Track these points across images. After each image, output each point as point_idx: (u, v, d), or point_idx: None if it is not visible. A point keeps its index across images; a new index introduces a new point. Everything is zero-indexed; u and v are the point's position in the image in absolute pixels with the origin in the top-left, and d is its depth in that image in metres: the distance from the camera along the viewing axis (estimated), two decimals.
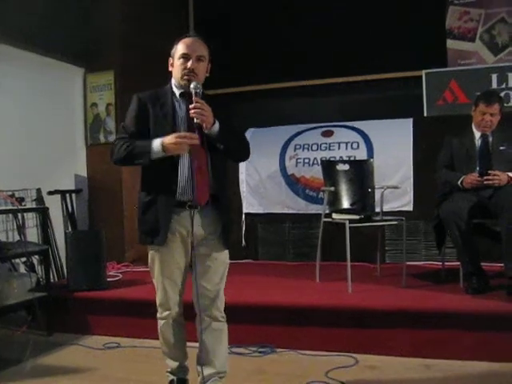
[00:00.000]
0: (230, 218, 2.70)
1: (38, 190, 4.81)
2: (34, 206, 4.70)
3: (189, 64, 2.53)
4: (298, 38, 5.69)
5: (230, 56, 5.92)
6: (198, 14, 6.28)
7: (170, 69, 2.62)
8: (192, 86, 2.48)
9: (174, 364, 2.75)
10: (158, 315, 2.69)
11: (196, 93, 2.47)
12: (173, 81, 2.62)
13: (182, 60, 2.54)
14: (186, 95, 2.55)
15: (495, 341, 3.21)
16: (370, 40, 5.47)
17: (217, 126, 2.50)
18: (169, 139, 2.41)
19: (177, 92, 2.60)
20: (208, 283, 2.62)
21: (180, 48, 2.56)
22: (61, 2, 4.86)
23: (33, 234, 4.61)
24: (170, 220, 2.53)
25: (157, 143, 2.44)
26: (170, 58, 2.61)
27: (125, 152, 2.49)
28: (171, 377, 2.78)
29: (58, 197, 5.11)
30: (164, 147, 2.42)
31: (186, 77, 2.53)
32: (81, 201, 5.40)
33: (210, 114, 2.46)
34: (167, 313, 2.66)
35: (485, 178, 3.67)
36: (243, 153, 2.74)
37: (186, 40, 2.59)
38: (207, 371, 2.65)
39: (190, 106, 2.44)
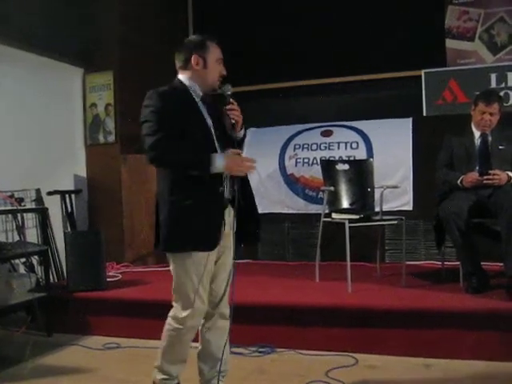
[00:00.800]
0: (257, 212, 2.70)
1: (38, 191, 4.80)
2: (34, 206, 4.70)
3: (223, 69, 2.60)
4: (297, 37, 5.70)
5: (229, 56, 5.89)
6: (197, 14, 6.27)
7: (197, 67, 2.53)
8: (228, 88, 2.57)
9: (174, 369, 2.59)
10: (179, 326, 2.50)
11: (229, 95, 2.56)
12: (188, 80, 2.55)
13: (218, 64, 2.58)
14: (210, 97, 2.61)
15: (495, 340, 3.21)
16: (370, 40, 5.48)
17: (243, 130, 2.60)
18: (228, 162, 2.40)
19: (198, 93, 2.55)
20: (222, 280, 2.61)
21: (217, 52, 2.59)
22: (60, 2, 4.86)
23: (32, 235, 4.61)
24: (222, 224, 2.49)
25: (218, 162, 2.38)
26: (198, 57, 2.52)
27: (181, 159, 2.40)
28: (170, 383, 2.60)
29: (57, 197, 5.11)
30: (225, 167, 2.39)
31: (219, 81, 2.58)
32: (80, 201, 5.40)
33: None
34: (197, 323, 2.54)
35: (485, 177, 3.67)
36: None
37: (215, 43, 2.61)
38: (211, 369, 2.63)
39: (229, 107, 2.52)
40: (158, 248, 2.52)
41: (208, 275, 2.51)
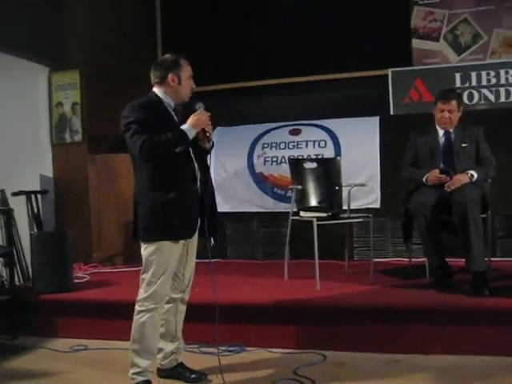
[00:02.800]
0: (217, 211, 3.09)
1: (2, 191, 4.71)
2: None
3: (194, 84, 2.94)
4: (264, 37, 5.71)
5: (196, 55, 5.89)
6: (165, 15, 6.23)
7: (173, 84, 2.85)
8: (200, 105, 2.90)
9: (145, 363, 2.83)
10: (143, 308, 2.81)
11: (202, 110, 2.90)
12: (163, 93, 2.88)
13: (190, 80, 2.92)
14: (182, 109, 2.95)
15: (461, 335, 3.27)
16: (337, 39, 5.52)
17: (212, 142, 2.96)
18: (191, 119, 2.81)
19: (171, 105, 2.90)
20: (187, 271, 3.03)
21: (188, 69, 2.92)
22: None
23: None
24: (198, 215, 2.88)
25: (185, 127, 2.79)
26: (173, 76, 2.85)
27: (166, 142, 2.72)
28: (139, 378, 2.81)
29: (23, 198, 5.01)
30: (192, 125, 2.79)
31: (190, 95, 2.93)
32: (47, 201, 5.31)
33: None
34: (157, 305, 2.83)
35: (446, 186, 3.72)
36: None
37: (186, 61, 2.93)
38: (171, 346, 3.04)
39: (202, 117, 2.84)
40: (137, 239, 2.86)
41: (175, 264, 2.88)
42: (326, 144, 5.27)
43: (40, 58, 5.22)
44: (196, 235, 2.95)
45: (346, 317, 3.48)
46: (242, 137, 5.59)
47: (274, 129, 5.56)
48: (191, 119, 2.82)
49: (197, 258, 5.46)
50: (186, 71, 2.90)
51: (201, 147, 2.90)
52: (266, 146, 5.43)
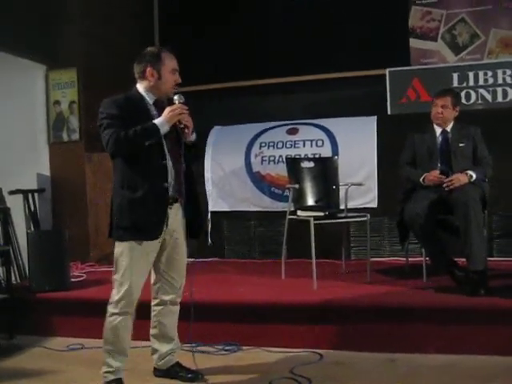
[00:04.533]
0: (201, 212, 3.07)
1: None
2: None
3: (179, 78, 2.83)
4: (262, 36, 5.71)
5: (194, 54, 5.89)
6: (162, 13, 6.22)
7: (151, 79, 2.77)
8: (179, 97, 2.80)
9: (118, 363, 2.81)
10: (115, 310, 2.77)
11: (181, 103, 2.79)
12: (144, 88, 2.80)
13: (173, 74, 2.81)
14: (164, 103, 2.84)
15: (458, 334, 3.27)
16: (335, 38, 5.53)
17: (195, 134, 2.86)
18: (164, 113, 2.71)
19: (150, 100, 2.81)
20: (177, 274, 2.94)
21: (171, 63, 2.81)
22: None
23: None
24: (166, 215, 2.76)
25: (158, 120, 2.71)
26: (152, 70, 2.76)
27: (133, 136, 2.63)
28: (111, 377, 2.80)
29: (19, 196, 5.01)
30: (166, 119, 2.70)
31: (174, 90, 2.83)
32: (44, 200, 5.30)
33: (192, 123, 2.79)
34: (129, 308, 2.77)
35: (444, 184, 3.73)
36: (198, 158, 3.15)
37: (171, 55, 2.83)
38: (167, 347, 3.00)
39: (173, 107, 2.74)
40: (111, 236, 2.81)
41: (148, 264, 2.81)
42: (323, 143, 5.27)
43: (37, 56, 5.21)
44: (179, 236, 2.88)
45: (342, 316, 3.48)
46: (239, 136, 5.58)
47: (272, 128, 5.55)
48: (164, 112, 2.73)
49: (192, 256, 5.50)
50: (168, 65, 2.79)
51: (182, 144, 2.78)
52: (263, 145, 5.42)
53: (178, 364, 3.04)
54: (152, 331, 3.01)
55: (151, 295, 2.99)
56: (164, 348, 3.00)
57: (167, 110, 2.73)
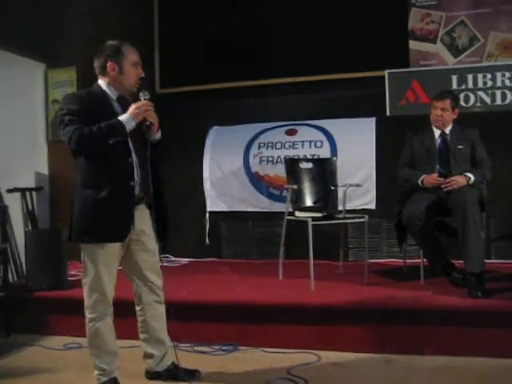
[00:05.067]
0: (168, 213, 2.89)
1: None
2: None
3: (141, 72, 2.74)
4: (261, 36, 5.71)
5: (192, 54, 5.90)
6: (162, 13, 6.22)
7: (113, 73, 2.69)
8: (143, 93, 2.71)
9: (108, 364, 2.77)
10: (93, 315, 2.72)
11: (146, 99, 2.70)
12: (106, 84, 2.72)
13: (135, 68, 2.72)
14: (128, 99, 2.76)
15: (455, 336, 3.27)
16: (335, 39, 5.53)
17: (160, 133, 2.77)
18: (130, 109, 2.62)
19: (113, 96, 2.73)
20: (152, 275, 2.83)
21: (132, 56, 2.73)
22: None
23: None
24: (133, 215, 2.67)
25: (123, 117, 2.61)
26: (113, 64, 2.68)
27: (97, 133, 2.53)
28: (104, 378, 2.76)
29: (17, 195, 4.99)
30: (131, 115, 2.60)
31: (137, 84, 2.74)
32: (42, 199, 5.29)
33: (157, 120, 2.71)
34: (106, 311, 2.73)
35: (443, 186, 3.74)
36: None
37: (132, 48, 2.75)
38: (161, 350, 2.91)
39: (138, 104, 2.65)
40: (71, 240, 2.72)
41: (116, 264, 2.72)
42: (322, 144, 5.27)
43: (37, 54, 5.20)
44: (147, 237, 2.78)
45: (340, 317, 3.48)
46: (237, 136, 5.58)
47: (270, 129, 5.56)
48: (130, 109, 2.63)
49: (190, 256, 5.51)
50: (129, 58, 2.70)
51: (148, 142, 2.70)
52: (261, 145, 5.43)
53: (173, 364, 2.98)
54: (142, 336, 2.93)
55: (134, 300, 2.91)
56: (158, 351, 2.91)
57: (133, 106, 2.64)
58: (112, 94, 2.72)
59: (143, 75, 2.74)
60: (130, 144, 2.67)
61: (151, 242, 2.83)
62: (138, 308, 2.91)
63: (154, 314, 2.88)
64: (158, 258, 2.88)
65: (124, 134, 2.60)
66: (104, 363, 2.76)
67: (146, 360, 2.95)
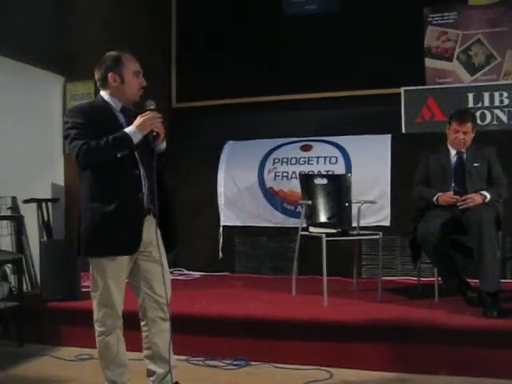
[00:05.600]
0: (175, 223, 2.87)
1: (14, 198, 4.73)
2: (9, 214, 4.63)
3: (143, 81, 2.70)
4: (277, 52, 5.74)
5: (209, 68, 5.94)
6: (181, 27, 6.29)
7: (114, 84, 2.65)
8: (150, 103, 2.66)
9: (119, 376, 2.75)
10: (103, 329, 2.69)
11: (151, 109, 2.64)
12: (108, 95, 2.68)
13: (136, 77, 2.69)
14: (132, 110, 2.73)
15: (470, 356, 3.23)
16: (351, 57, 5.54)
17: (165, 143, 2.71)
18: (137, 121, 2.57)
19: (117, 107, 2.69)
20: (160, 289, 2.73)
21: (133, 65, 2.69)
22: (42, 8, 4.84)
23: (7, 243, 4.53)
24: (142, 228, 2.63)
25: (130, 129, 2.56)
26: (114, 75, 2.65)
27: (104, 147, 2.50)
28: None
29: (33, 205, 5.04)
30: (138, 128, 2.55)
31: (140, 93, 2.70)
32: (57, 210, 5.33)
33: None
34: (116, 324, 2.71)
35: (458, 204, 3.72)
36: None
37: (131, 57, 2.72)
38: (164, 368, 2.78)
39: (146, 114, 2.59)
40: (80, 255, 2.68)
41: (124, 278, 2.69)
42: (336, 160, 5.27)
43: (56, 67, 5.28)
44: (155, 249, 2.69)
45: (353, 334, 3.46)
46: (253, 151, 5.60)
47: (286, 144, 5.57)
48: (137, 121, 2.58)
49: (202, 270, 5.51)
50: (130, 68, 2.66)
51: (155, 152, 2.65)
52: (276, 161, 5.44)
53: None
54: (145, 352, 2.84)
55: (139, 315, 2.83)
56: (160, 370, 2.80)
57: (139, 118, 2.59)
58: (115, 105, 2.68)
59: (145, 84, 2.71)
60: (137, 155, 2.64)
61: (159, 253, 2.73)
62: (142, 323, 2.82)
63: (157, 330, 2.77)
64: (166, 268, 2.79)
65: (131, 146, 2.57)
66: (115, 376, 2.74)
67: (149, 378, 2.85)
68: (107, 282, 2.63)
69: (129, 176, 2.60)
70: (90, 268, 2.68)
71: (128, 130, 2.56)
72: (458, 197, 3.76)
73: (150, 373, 2.83)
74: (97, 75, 2.71)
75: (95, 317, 2.71)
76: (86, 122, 2.56)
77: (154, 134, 2.61)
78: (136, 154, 2.63)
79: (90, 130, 2.55)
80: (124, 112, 2.70)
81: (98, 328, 2.71)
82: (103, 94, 2.70)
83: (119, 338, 2.75)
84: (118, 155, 2.54)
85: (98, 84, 2.72)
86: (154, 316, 2.76)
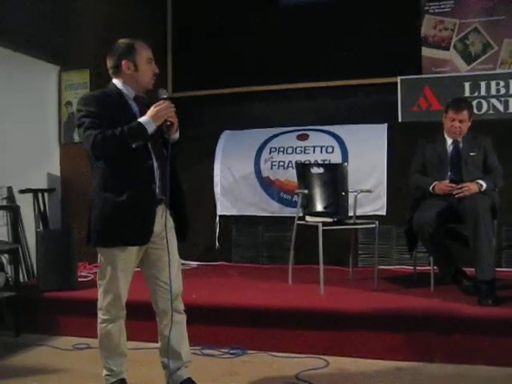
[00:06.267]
0: (187, 213, 2.81)
1: (9, 189, 4.73)
2: (5, 204, 4.63)
3: (156, 68, 2.67)
4: (274, 41, 5.71)
5: (205, 58, 5.92)
6: (176, 15, 6.25)
7: (128, 72, 2.62)
8: (163, 92, 2.64)
9: (117, 365, 2.75)
10: (106, 317, 2.69)
11: (164, 98, 2.62)
12: (121, 83, 2.65)
13: (150, 64, 2.66)
14: (145, 98, 2.71)
15: (465, 344, 3.25)
16: (348, 46, 5.52)
17: (178, 132, 2.69)
18: (150, 111, 2.55)
19: (130, 95, 2.66)
20: (173, 277, 2.69)
21: (146, 52, 2.66)
22: None
23: (3, 233, 4.54)
24: (154, 218, 2.61)
25: (144, 119, 2.54)
26: (128, 62, 2.62)
27: (119, 137, 2.48)
28: (112, 379, 2.75)
29: (29, 195, 5.04)
30: (152, 118, 2.53)
31: (153, 81, 2.68)
32: (53, 200, 5.33)
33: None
34: (119, 314, 2.70)
35: (455, 192, 3.73)
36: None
37: (144, 44, 2.68)
38: (175, 363, 2.76)
39: (161, 104, 2.57)
40: (90, 244, 2.63)
41: (133, 268, 2.68)
42: (333, 150, 5.27)
43: (50, 57, 5.25)
44: (166, 239, 2.64)
45: (349, 323, 3.47)
46: (249, 141, 5.59)
47: (282, 133, 5.56)
48: (151, 111, 2.55)
49: (199, 260, 5.53)
50: (143, 55, 2.63)
51: (168, 142, 2.61)
52: (273, 150, 5.44)
53: (189, 380, 2.79)
54: (159, 344, 2.82)
55: (152, 307, 2.80)
56: (172, 364, 2.76)
57: (152, 108, 2.57)
58: (128, 93, 2.65)
59: (158, 71, 2.68)
60: (150, 146, 2.62)
61: (171, 243, 2.69)
62: (157, 315, 2.79)
63: (169, 322, 2.71)
64: (177, 258, 2.78)
65: (146, 136, 2.54)
66: (113, 364, 2.75)
67: (164, 370, 2.82)
68: (115, 271, 2.61)
69: (141, 166, 2.58)
70: (99, 256, 2.67)
71: (142, 119, 2.54)
72: (454, 185, 3.77)
73: (163, 366, 2.81)
74: (109, 63, 2.68)
75: (99, 305, 2.70)
76: (99, 110, 2.54)
77: (168, 123, 2.59)
78: (149, 144, 2.61)
79: (104, 119, 2.52)
80: (137, 100, 2.68)
81: (101, 316, 2.70)
82: (116, 81, 2.66)
83: (121, 327, 2.74)
84: (133, 145, 2.52)
85: (110, 72, 2.68)
86: (165, 307, 2.72)
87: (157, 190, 2.61)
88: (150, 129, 2.53)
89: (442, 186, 3.83)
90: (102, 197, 2.57)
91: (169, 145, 2.60)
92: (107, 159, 2.56)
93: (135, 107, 2.65)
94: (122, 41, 2.69)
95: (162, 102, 2.59)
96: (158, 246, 2.68)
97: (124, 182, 2.55)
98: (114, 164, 2.56)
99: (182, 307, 2.79)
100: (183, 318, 2.80)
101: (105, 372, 2.77)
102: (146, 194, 2.58)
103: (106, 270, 2.63)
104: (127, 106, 2.63)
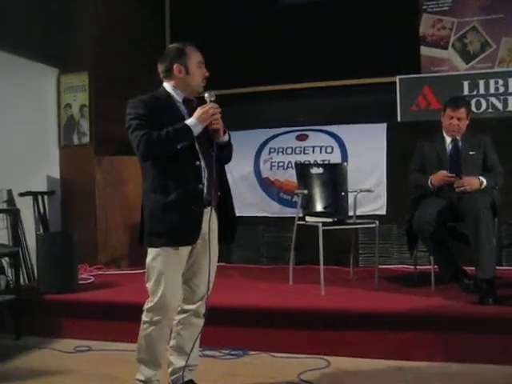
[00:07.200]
0: (235, 214, 2.82)
1: (9, 191, 4.73)
2: (5, 207, 4.63)
3: (206, 72, 2.72)
4: (273, 41, 5.71)
5: (206, 59, 5.90)
6: (174, 17, 6.25)
7: (180, 75, 2.65)
8: (209, 94, 2.67)
9: (150, 373, 2.67)
10: (147, 319, 2.63)
11: (212, 100, 2.66)
12: (172, 87, 2.68)
13: (200, 68, 2.71)
14: (194, 101, 2.73)
15: (466, 343, 3.25)
16: (346, 46, 5.52)
17: (227, 135, 2.71)
18: (196, 113, 2.58)
19: (179, 98, 2.69)
20: (202, 282, 2.72)
21: (196, 56, 2.71)
22: (35, 1, 4.81)
23: (3, 236, 4.54)
24: (202, 218, 2.61)
25: (190, 121, 2.57)
26: (179, 66, 2.65)
27: (165, 138, 2.51)
28: None
29: (29, 198, 5.04)
30: (198, 119, 2.56)
31: (203, 84, 2.70)
32: (53, 203, 5.33)
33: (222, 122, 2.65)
34: (162, 317, 2.61)
35: (455, 184, 3.72)
36: (231, 158, 2.87)
37: (194, 48, 2.75)
38: (180, 363, 2.74)
39: (204, 108, 2.59)
40: (142, 243, 2.65)
41: (181, 270, 2.65)
42: (332, 150, 5.27)
43: (49, 59, 5.25)
44: (210, 241, 2.65)
45: (350, 322, 3.47)
46: (248, 141, 5.57)
47: (281, 134, 5.56)
48: (197, 113, 2.58)
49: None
50: (194, 58, 2.68)
51: (214, 144, 2.62)
52: (272, 150, 5.44)
53: (191, 382, 2.78)
54: (171, 342, 2.78)
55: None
56: (178, 363, 2.75)
57: (199, 110, 2.60)
58: (178, 96, 2.68)
59: (208, 74, 2.72)
60: (197, 147, 2.62)
61: (213, 246, 2.71)
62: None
63: (188, 323, 2.75)
64: (215, 264, 2.78)
65: (191, 138, 2.56)
66: (146, 370, 2.66)
67: (168, 369, 2.80)
68: (162, 272, 2.58)
69: (189, 167, 2.59)
70: (147, 257, 2.64)
71: (188, 121, 2.57)
72: (452, 175, 3.75)
73: (169, 364, 2.80)
74: (160, 67, 2.71)
75: (144, 306, 2.66)
76: (147, 112, 2.57)
77: (213, 128, 2.60)
78: (196, 145, 2.62)
79: (151, 121, 2.55)
80: (186, 103, 2.70)
81: (143, 317, 2.66)
82: (166, 85, 2.70)
83: (162, 333, 2.66)
84: (178, 146, 2.54)
85: (161, 76, 2.71)
86: (189, 307, 2.74)
87: (204, 190, 2.62)
88: (196, 130, 2.56)
89: (439, 176, 3.80)
90: (151, 198, 2.60)
91: (214, 145, 2.62)
92: (154, 160, 2.59)
93: (184, 110, 2.68)
94: (172, 45, 2.76)
95: (208, 104, 2.62)
96: (199, 247, 2.68)
97: (171, 182, 2.57)
98: (161, 165, 2.58)
99: (203, 311, 2.78)
100: (201, 322, 2.78)
101: (137, 376, 2.69)
102: (194, 194, 2.59)
103: (153, 271, 2.61)
104: (175, 108, 2.66)
